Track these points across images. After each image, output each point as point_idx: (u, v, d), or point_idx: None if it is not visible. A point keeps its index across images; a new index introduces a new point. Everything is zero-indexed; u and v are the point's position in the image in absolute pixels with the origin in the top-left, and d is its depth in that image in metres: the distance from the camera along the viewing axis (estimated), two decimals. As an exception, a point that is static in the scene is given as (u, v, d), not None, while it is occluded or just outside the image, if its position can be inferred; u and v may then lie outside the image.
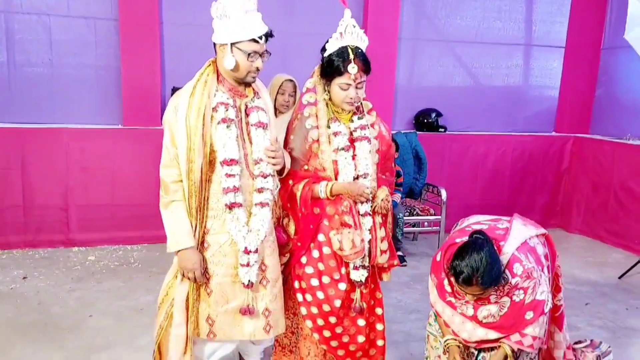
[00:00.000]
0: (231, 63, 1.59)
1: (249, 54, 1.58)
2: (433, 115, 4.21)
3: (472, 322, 1.69)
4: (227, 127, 1.61)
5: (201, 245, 1.66)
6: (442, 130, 4.23)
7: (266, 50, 1.63)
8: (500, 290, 1.64)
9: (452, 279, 1.62)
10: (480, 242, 1.60)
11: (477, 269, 1.53)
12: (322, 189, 1.73)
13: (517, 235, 1.71)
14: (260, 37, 1.58)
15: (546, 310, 1.66)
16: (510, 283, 1.63)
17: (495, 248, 1.63)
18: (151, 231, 3.66)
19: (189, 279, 1.65)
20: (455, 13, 4.28)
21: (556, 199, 4.50)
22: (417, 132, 4.11)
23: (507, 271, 1.64)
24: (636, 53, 3.06)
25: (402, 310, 2.85)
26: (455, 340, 1.74)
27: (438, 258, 1.76)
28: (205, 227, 1.65)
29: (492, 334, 1.68)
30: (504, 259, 1.64)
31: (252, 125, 1.67)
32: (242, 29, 1.56)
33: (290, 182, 1.76)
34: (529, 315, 1.64)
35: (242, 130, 1.66)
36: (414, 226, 3.82)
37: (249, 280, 1.65)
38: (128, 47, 3.59)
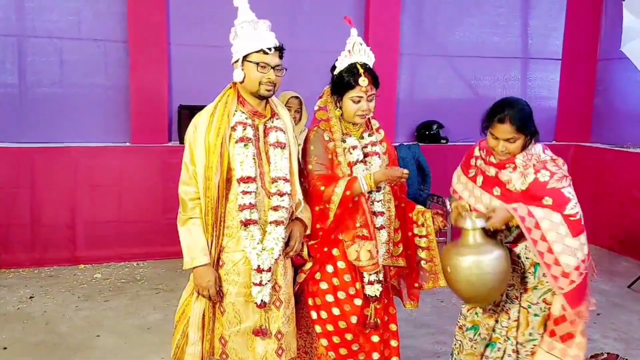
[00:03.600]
0: (239, 76, 1.64)
1: (257, 64, 1.61)
2: (434, 127, 4.26)
3: (489, 194, 1.66)
4: (245, 145, 1.64)
5: (216, 264, 1.66)
6: (444, 141, 4.28)
7: (280, 65, 1.65)
8: (527, 158, 1.62)
9: (486, 123, 1.66)
10: (516, 98, 1.68)
11: (511, 105, 1.63)
12: (363, 182, 1.70)
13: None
14: (270, 49, 1.61)
15: (569, 211, 1.55)
16: (539, 158, 1.63)
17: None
18: (157, 247, 3.69)
19: (204, 296, 1.65)
20: (453, 28, 4.37)
21: (560, 208, 4.54)
22: (420, 144, 4.15)
23: (539, 146, 1.66)
24: (632, 63, 3.14)
25: (412, 325, 2.82)
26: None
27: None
28: (221, 245, 1.66)
29: (506, 206, 1.61)
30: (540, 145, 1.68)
31: (270, 144, 1.69)
32: (250, 40, 1.61)
33: (322, 187, 1.73)
34: (547, 201, 1.58)
35: (259, 149, 1.68)
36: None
37: (262, 300, 1.65)
38: (137, 67, 3.69)
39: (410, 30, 4.26)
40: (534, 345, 1.68)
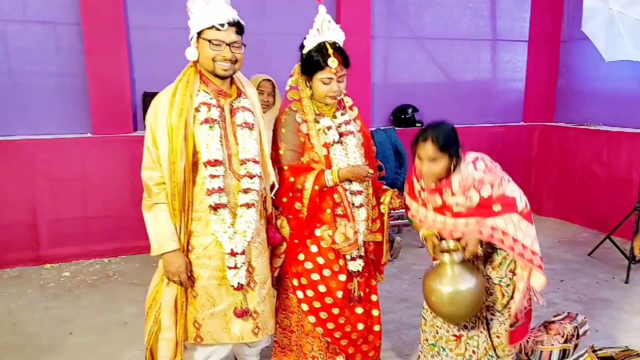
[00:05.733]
0: (193, 53, 1.57)
1: (210, 42, 1.55)
2: (410, 110, 4.30)
3: (443, 216, 1.73)
4: (210, 127, 1.59)
5: (186, 249, 1.62)
6: (419, 125, 4.32)
7: (237, 42, 1.59)
8: (463, 181, 1.66)
9: (414, 146, 1.70)
10: (442, 121, 1.71)
11: (436, 126, 1.68)
12: (328, 178, 1.73)
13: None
14: (223, 25, 1.55)
15: (519, 207, 1.67)
16: (475, 178, 1.67)
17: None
18: (129, 242, 3.55)
19: (174, 282, 1.62)
20: (424, 11, 4.39)
21: (528, 184, 4.66)
22: (396, 128, 4.18)
23: (470, 165, 1.69)
24: (592, 44, 3.22)
25: (392, 300, 2.89)
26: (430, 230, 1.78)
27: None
28: (189, 229, 1.62)
29: (462, 222, 1.70)
30: (469, 158, 1.71)
31: (237, 125, 1.64)
32: (203, 17, 1.55)
33: (292, 179, 1.74)
34: (497, 207, 1.67)
35: (226, 131, 1.63)
36: (397, 219, 3.87)
37: (239, 283, 1.63)
38: (93, 52, 3.46)
39: (381, 14, 4.25)
40: (510, 308, 1.80)
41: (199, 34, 1.56)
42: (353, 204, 1.79)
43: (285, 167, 1.74)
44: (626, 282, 3.14)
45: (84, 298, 2.98)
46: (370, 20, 4.14)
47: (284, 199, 1.77)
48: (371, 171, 1.76)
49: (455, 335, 1.85)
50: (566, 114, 4.69)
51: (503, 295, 1.78)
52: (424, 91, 4.44)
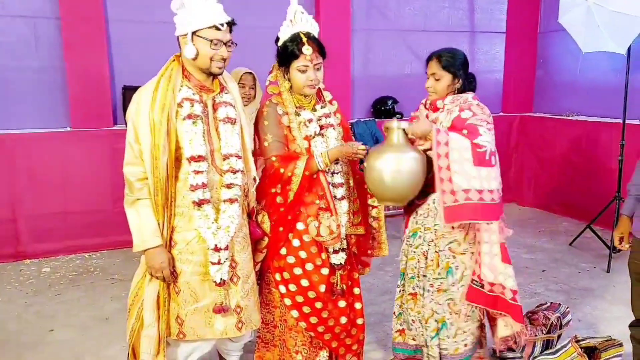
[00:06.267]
0: (192, 52, 1.56)
1: (211, 41, 1.55)
2: (389, 102, 4.33)
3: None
4: (194, 123, 1.58)
5: (168, 244, 1.62)
6: (399, 116, 4.35)
7: (231, 40, 1.60)
8: (455, 99, 1.80)
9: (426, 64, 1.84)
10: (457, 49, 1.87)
11: (447, 49, 1.84)
12: (319, 160, 1.72)
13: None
14: (222, 25, 1.56)
15: (479, 141, 1.67)
16: (467, 100, 1.80)
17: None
18: (110, 237, 3.53)
19: (157, 278, 1.62)
20: (403, 3, 4.40)
21: (508, 175, 4.73)
22: (376, 120, 4.21)
23: (471, 95, 1.82)
24: (569, 35, 3.28)
25: (375, 293, 2.93)
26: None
27: None
28: (172, 225, 1.62)
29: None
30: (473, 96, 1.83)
31: (220, 120, 1.64)
32: (203, 16, 1.54)
33: (282, 169, 1.72)
34: (464, 132, 1.73)
35: (208, 126, 1.63)
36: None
37: (221, 279, 1.63)
38: (72, 46, 3.43)
39: (361, 6, 4.25)
40: (441, 283, 1.84)
41: (195, 32, 1.55)
42: (335, 197, 1.80)
43: (274, 158, 1.73)
44: (607, 272, 3.16)
45: (65, 294, 2.96)
46: (349, 13, 4.14)
47: (272, 190, 1.75)
48: (362, 147, 1.73)
49: (411, 294, 1.89)
50: (545, 105, 4.76)
51: (438, 265, 1.82)
52: (404, 83, 4.47)
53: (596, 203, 3.62)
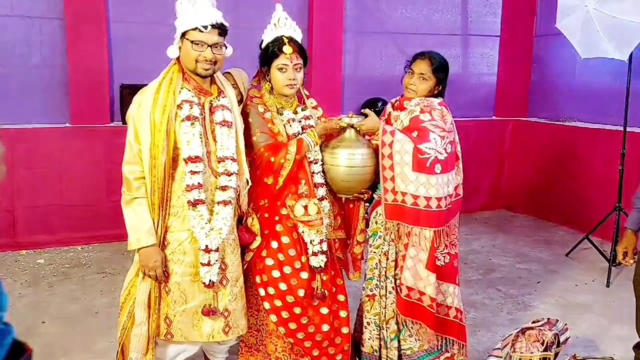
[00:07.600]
0: (174, 52, 1.63)
1: (193, 42, 1.59)
2: (380, 104, 4.30)
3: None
4: (192, 124, 1.63)
5: (162, 244, 1.66)
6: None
7: (219, 43, 1.63)
8: (420, 101, 1.83)
9: (410, 62, 1.89)
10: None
11: (436, 52, 1.89)
12: (309, 140, 1.77)
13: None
14: (206, 27, 1.59)
15: (423, 147, 1.71)
16: (432, 103, 1.83)
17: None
18: (102, 231, 3.61)
19: (149, 277, 1.65)
20: (395, 6, 4.41)
21: (500, 180, 4.72)
22: (366, 121, 4.23)
23: (437, 102, 1.86)
24: (566, 39, 3.21)
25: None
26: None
27: None
28: (166, 224, 1.65)
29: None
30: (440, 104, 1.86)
31: (216, 123, 1.68)
32: (188, 19, 1.60)
33: (272, 158, 1.75)
34: (414, 134, 1.78)
35: (205, 128, 1.67)
36: (367, 212, 3.97)
37: (210, 280, 1.65)
38: (74, 46, 3.54)
39: (353, 8, 4.26)
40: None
41: (184, 34, 1.61)
42: (315, 184, 1.82)
43: (262, 149, 1.76)
44: (607, 286, 2.98)
45: (57, 286, 3.02)
46: (342, 15, 4.16)
47: (265, 180, 1.76)
48: (345, 120, 1.79)
49: (368, 295, 1.89)
50: (540, 110, 4.66)
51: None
52: (395, 85, 4.42)
53: (593, 212, 3.50)
